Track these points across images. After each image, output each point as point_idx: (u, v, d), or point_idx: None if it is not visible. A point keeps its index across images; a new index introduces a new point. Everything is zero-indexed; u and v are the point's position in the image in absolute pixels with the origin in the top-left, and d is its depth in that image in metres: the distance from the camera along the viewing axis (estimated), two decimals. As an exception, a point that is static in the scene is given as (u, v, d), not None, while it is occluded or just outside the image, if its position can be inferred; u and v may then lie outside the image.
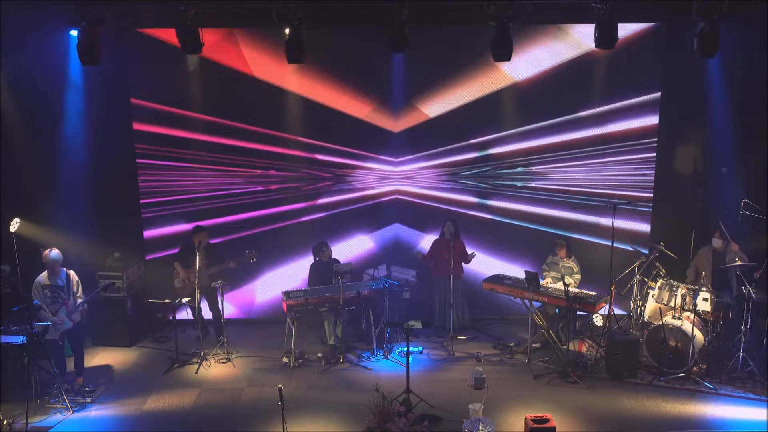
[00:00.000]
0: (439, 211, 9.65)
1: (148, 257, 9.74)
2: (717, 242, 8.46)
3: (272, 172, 9.67)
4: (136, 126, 9.38)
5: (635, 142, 9.40)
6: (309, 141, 9.59)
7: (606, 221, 9.27)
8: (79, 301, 7.87)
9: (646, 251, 9.03)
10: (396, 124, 9.55)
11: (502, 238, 9.77)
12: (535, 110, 9.41)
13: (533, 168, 9.63)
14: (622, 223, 9.28)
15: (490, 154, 9.62)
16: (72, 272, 7.89)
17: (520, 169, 9.66)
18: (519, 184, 9.71)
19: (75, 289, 7.86)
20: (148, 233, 9.73)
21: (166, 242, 9.64)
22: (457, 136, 9.58)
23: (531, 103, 9.38)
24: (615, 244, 8.64)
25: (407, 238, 9.87)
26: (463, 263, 9.25)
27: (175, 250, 9.20)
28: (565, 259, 8.90)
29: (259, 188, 9.69)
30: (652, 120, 9.33)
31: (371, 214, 9.83)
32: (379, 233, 9.89)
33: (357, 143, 9.62)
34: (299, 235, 9.72)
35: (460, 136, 9.58)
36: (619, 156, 9.48)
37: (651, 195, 9.54)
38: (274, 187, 9.72)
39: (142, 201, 9.57)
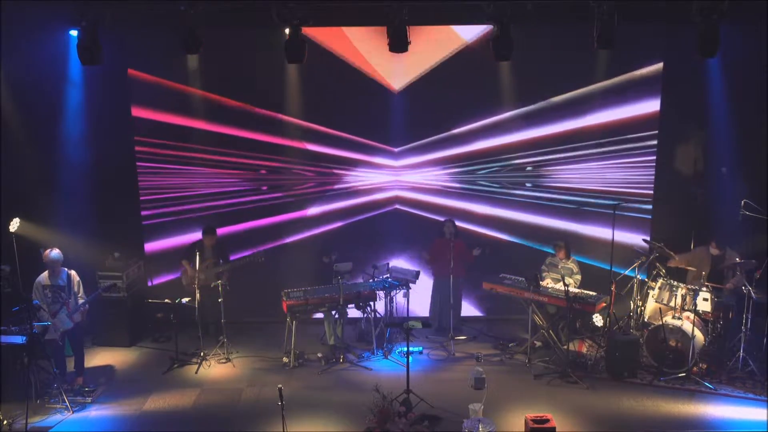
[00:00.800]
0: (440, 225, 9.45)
1: (153, 281, 9.74)
2: (714, 251, 8.49)
3: (263, 171, 9.67)
4: (135, 112, 9.30)
5: (637, 135, 9.36)
6: (304, 124, 9.45)
7: (605, 233, 9.21)
8: (81, 301, 7.87)
9: (644, 276, 8.96)
10: (396, 81, 9.38)
11: (500, 254, 9.64)
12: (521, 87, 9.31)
13: (538, 167, 9.64)
14: (622, 236, 9.16)
15: (491, 148, 9.56)
16: (73, 272, 7.88)
17: (529, 168, 9.66)
18: (528, 184, 9.72)
19: (76, 289, 7.85)
20: (149, 246, 9.71)
21: (168, 259, 9.60)
22: (446, 126, 9.55)
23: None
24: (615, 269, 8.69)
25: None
26: (466, 262, 9.24)
27: (177, 274, 9.25)
28: (564, 260, 8.90)
29: (251, 187, 9.68)
30: (653, 106, 9.29)
31: (368, 232, 9.75)
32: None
33: (356, 114, 9.46)
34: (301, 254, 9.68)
35: (450, 125, 9.54)
36: (620, 159, 9.48)
37: (651, 192, 9.56)
38: (264, 187, 9.71)
39: (141, 197, 9.57)
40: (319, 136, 9.57)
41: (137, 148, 9.44)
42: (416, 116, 9.49)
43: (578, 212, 9.66)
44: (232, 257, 9.21)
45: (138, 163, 9.48)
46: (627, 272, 8.79)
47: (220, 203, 9.69)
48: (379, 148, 9.68)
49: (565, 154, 9.54)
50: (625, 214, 9.43)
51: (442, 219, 9.37)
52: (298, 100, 9.37)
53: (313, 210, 9.81)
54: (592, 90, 9.31)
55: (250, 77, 9.28)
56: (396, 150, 9.70)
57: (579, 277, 8.83)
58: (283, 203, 9.77)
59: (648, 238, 9.11)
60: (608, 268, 8.71)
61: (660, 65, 9.16)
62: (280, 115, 9.46)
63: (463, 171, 9.73)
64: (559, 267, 8.89)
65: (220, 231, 9.35)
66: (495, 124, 9.51)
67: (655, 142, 9.41)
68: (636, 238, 9.36)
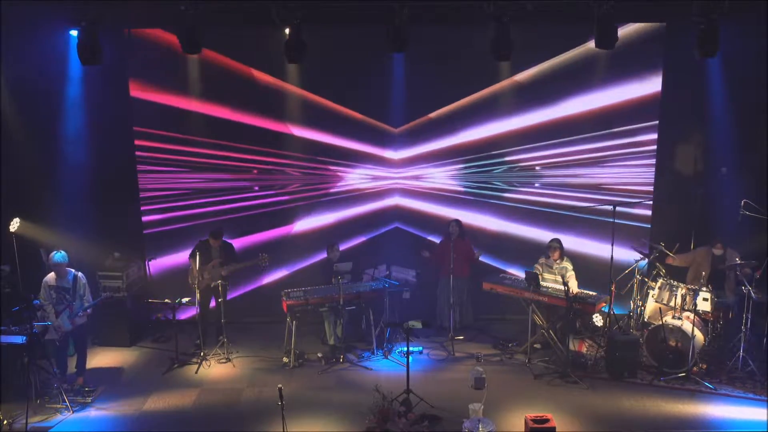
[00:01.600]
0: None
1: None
2: (718, 251, 8.49)
3: (255, 171, 9.66)
4: (134, 92, 9.21)
5: (637, 126, 9.35)
6: (302, 92, 9.31)
7: (605, 246, 9.11)
8: (85, 305, 7.87)
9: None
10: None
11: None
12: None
13: (545, 167, 9.63)
14: (622, 253, 9.07)
15: (495, 136, 9.50)
16: (80, 274, 7.86)
17: (537, 168, 9.65)
18: (537, 184, 9.71)
19: (81, 291, 7.84)
20: (152, 263, 9.66)
21: (170, 277, 9.56)
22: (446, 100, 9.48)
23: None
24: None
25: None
26: (470, 262, 9.24)
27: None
28: (558, 261, 8.88)
29: (245, 184, 9.67)
30: (654, 88, 9.24)
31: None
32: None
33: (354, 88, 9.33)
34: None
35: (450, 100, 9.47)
36: (621, 161, 9.50)
37: (651, 189, 9.55)
38: (257, 187, 9.70)
39: (141, 195, 9.57)
40: (315, 115, 9.40)
41: (137, 142, 9.39)
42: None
43: (577, 225, 9.61)
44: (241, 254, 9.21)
45: (138, 166, 9.47)
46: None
47: (217, 200, 9.66)
48: (378, 129, 9.55)
49: (567, 148, 9.51)
50: (624, 222, 9.38)
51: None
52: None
53: (309, 223, 9.78)
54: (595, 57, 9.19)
55: (250, 41, 9.16)
56: (396, 130, 9.59)
57: (574, 273, 8.78)
58: (280, 209, 9.74)
59: (645, 241, 9.09)
60: (610, 257, 8.65)
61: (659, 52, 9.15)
62: (278, 81, 9.31)
63: (464, 170, 9.71)
64: (554, 268, 8.86)
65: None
66: (495, 97, 9.42)
67: (655, 143, 9.40)
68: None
